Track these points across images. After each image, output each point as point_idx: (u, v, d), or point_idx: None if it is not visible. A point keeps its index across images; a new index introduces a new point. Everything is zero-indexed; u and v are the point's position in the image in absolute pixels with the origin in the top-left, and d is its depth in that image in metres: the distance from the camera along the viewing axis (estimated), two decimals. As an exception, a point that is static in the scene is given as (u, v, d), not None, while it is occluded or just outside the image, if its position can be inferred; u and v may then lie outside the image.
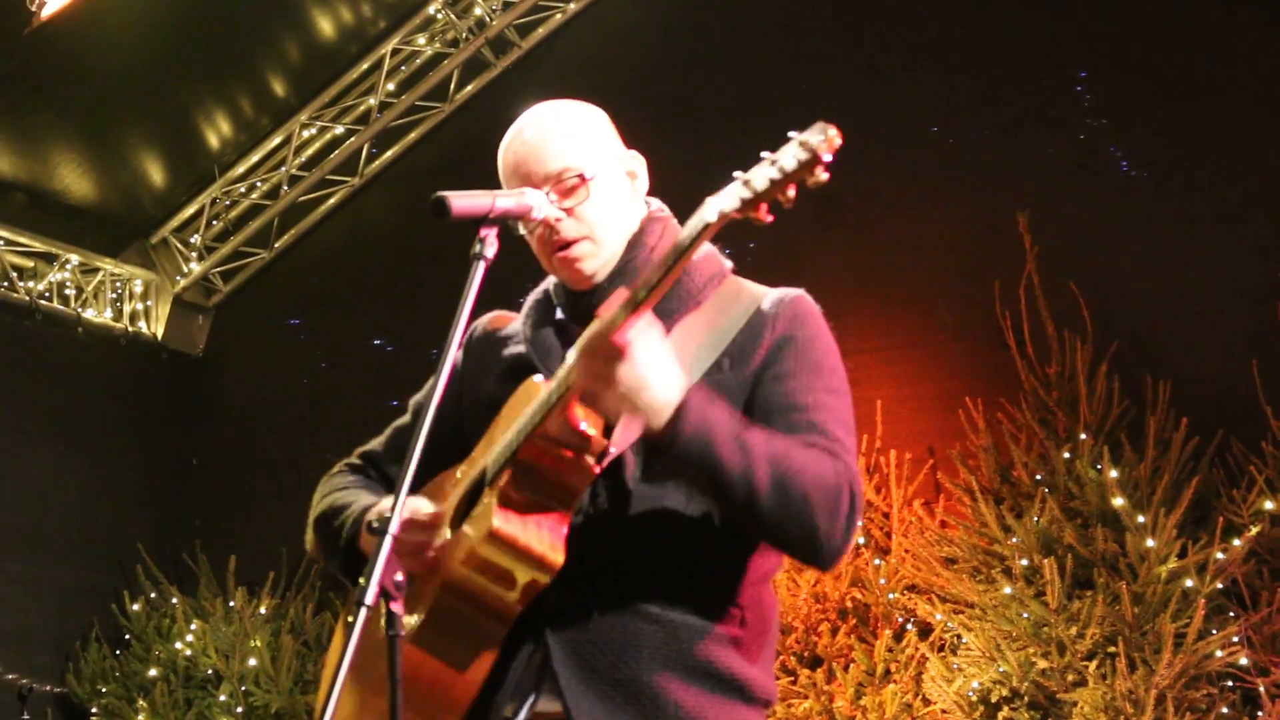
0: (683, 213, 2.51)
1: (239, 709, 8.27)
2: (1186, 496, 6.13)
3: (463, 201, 2.62)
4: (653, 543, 2.67)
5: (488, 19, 9.19)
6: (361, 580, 2.36)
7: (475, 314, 2.83)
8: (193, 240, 9.90)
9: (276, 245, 9.89)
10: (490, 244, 2.63)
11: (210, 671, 8.47)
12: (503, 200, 2.67)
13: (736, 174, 2.39)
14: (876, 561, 6.98)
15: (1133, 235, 7.17)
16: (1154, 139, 7.20)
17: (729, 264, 2.89)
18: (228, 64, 9.14)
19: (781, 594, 6.85)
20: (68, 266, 9.47)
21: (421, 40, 9.38)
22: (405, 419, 3.12)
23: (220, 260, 9.92)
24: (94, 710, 8.62)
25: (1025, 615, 6.21)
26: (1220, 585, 6.08)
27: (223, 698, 8.32)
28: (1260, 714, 5.92)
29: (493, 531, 2.56)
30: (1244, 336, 6.63)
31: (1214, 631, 5.97)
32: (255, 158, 9.68)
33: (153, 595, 8.90)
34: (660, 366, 2.51)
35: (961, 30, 7.77)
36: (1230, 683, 6.04)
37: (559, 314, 2.91)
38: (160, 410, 9.86)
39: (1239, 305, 6.79)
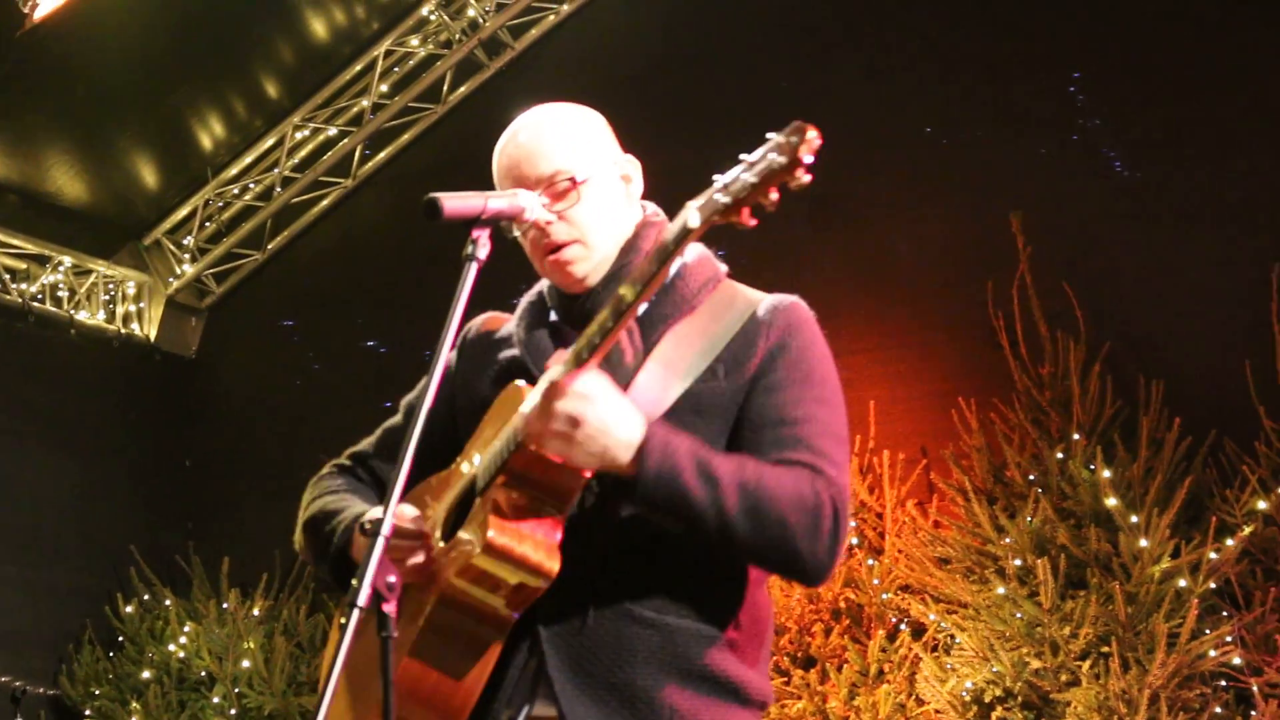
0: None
1: (232, 711, 8.26)
2: (1179, 496, 6.14)
3: (455, 203, 2.61)
4: (646, 546, 2.67)
5: (481, 20, 9.19)
6: (355, 582, 2.36)
7: (468, 315, 2.82)
8: (185, 242, 9.89)
9: (269, 247, 9.88)
10: (482, 245, 2.62)
11: (204, 673, 8.46)
12: (495, 201, 2.66)
13: (716, 178, 2.38)
14: (870, 562, 6.98)
15: (1126, 236, 7.18)
16: (1148, 139, 7.21)
17: (724, 268, 2.89)
18: (220, 65, 9.14)
19: (775, 594, 6.85)
20: (60, 268, 9.46)
21: (415, 41, 9.38)
22: (396, 419, 3.11)
23: (213, 262, 9.91)
24: (87, 712, 8.61)
25: (1019, 615, 6.21)
26: (1213, 585, 6.08)
27: (216, 700, 8.32)
28: (1253, 714, 5.93)
29: (488, 544, 2.55)
30: (1237, 337, 6.63)
31: (1207, 631, 5.97)
32: (248, 159, 9.67)
33: (146, 597, 8.89)
34: (617, 407, 2.53)
35: (956, 31, 7.77)
36: (1223, 682, 6.04)
37: (552, 316, 2.90)
38: (153, 412, 9.85)
39: (1232, 305, 6.79)
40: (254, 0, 8.76)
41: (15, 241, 9.20)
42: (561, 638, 2.66)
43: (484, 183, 2.81)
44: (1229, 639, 5.96)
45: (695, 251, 2.84)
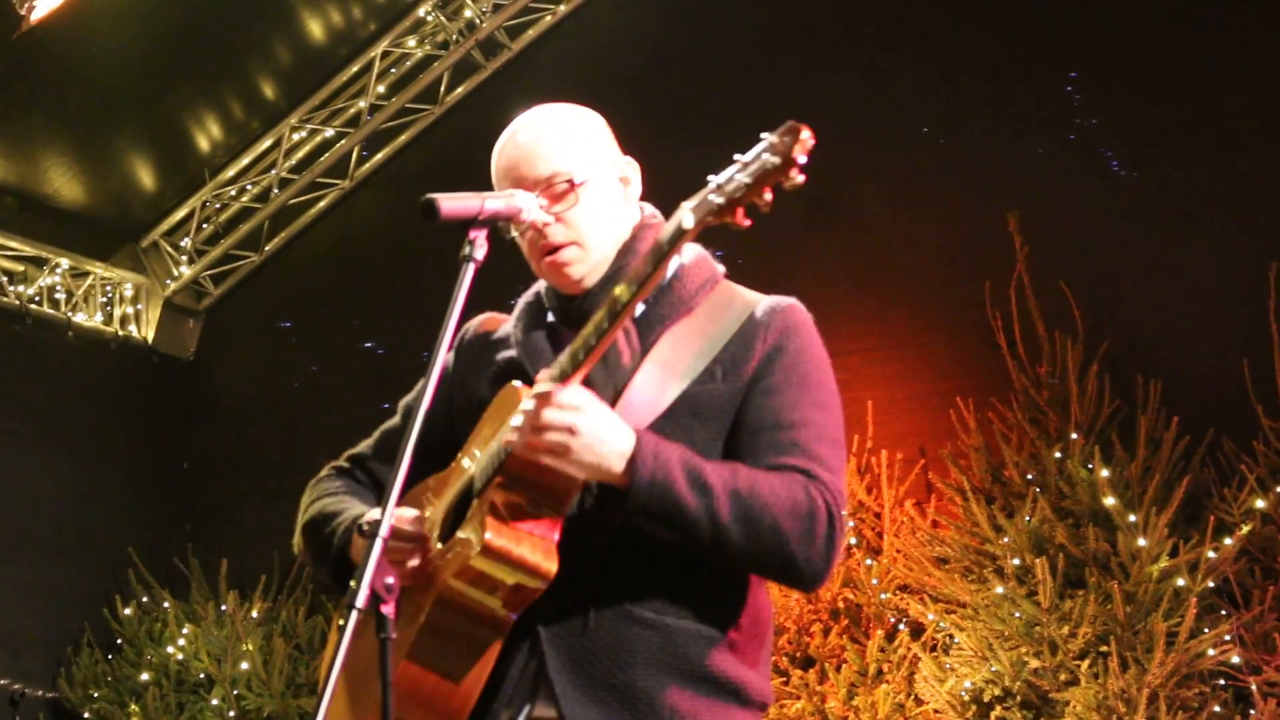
0: (674, 218, 2.50)
1: (231, 713, 8.25)
2: (1178, 496, 6.14)
3: (452, 203, 2.61)
4: (646, 547, 2.66)
5: (478, 21, 9.18)
6: (353, 583, 2.36)
7: (466, 316, 2.82)
8: (183, 244, 9.89)
9: (267, 248, 9.88)
10: (479, 246, 2.62)
11: (202, 675, 8.45)
12: (492, 202, 2.66)
13: (710, 178, 2.38)
14: (868, 562, 6.99)
15: (1123, 235, 7.18)
16: (1145, 139, 7.21)
17: (721, 269, 2.88)
18: (217, 67, 9.13)
19: (774, 594, 6.83)
20: (58, 270, 9.46)
21: (412, 42, 9.37)
22: (394, 421, 3.11)
23: (211, 263, 9.91)
24: (86, 715, 8.60)
25: (1017, 615, 6.21)
26: (1212, 584, 6.08)
27: (215, 701, 8.31)
28: (1252, 712, 5.93)
29: (486, 545, 2.55)
30: (1234, 336, 6.63)
31: (1206, 630, 5.98)
32: (245, 161, 9.67)
33: (144, 599, 8.88)
34: (608, 417, 2.54)
35: (953, 31, 7.77)
36: (1222, 681, 6.04)
37: (550, 317, 2.90)
38: (151, 414, 9.84)
39: (1230, 305, 6.80)
40: (251, 1, 8.75)
41: (13, 244, 9.20)
42: (562, 639, 2.66)
43: (481, 184, 2.81)
44: (1227, 638, 5.96)
45: (693, 252, 2.83)
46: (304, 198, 9.72)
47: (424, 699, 2.62)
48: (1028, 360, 6.76)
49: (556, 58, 9.08)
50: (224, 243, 9.85)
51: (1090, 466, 6.34)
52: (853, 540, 7.04)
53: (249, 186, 9.74)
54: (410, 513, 2.73)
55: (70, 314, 9.46)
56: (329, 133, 9.55)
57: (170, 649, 8.54)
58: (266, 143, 9.60)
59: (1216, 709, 5.96)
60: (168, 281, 9.92)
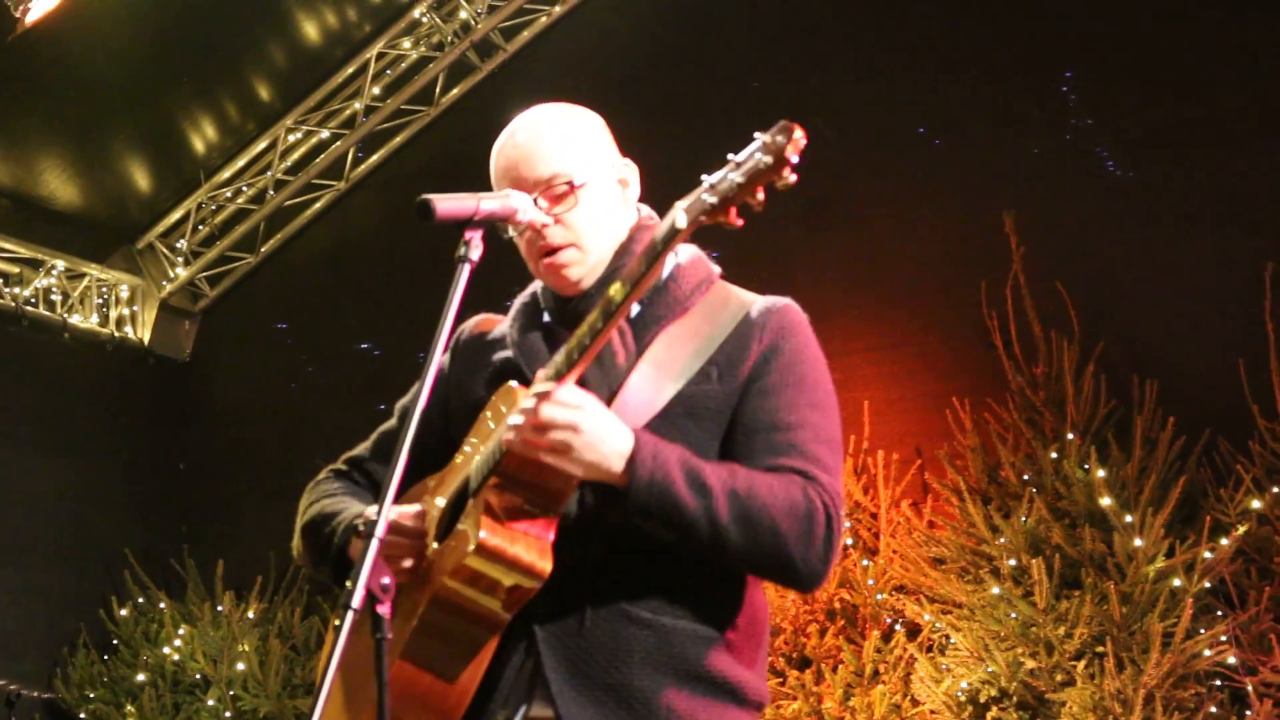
0: (670, 219, 2.50)
1: (227, 713, 8.25)
2: (1174, 496, 6.14)
3: (447, 204, 2.61)
4: (643, 547, 2.66)
5: (473, 22, 9.18)
6: (349, 584, 2.36)
7: (461, 317, 2.82)
8: (179, 245, 9.89)
9: (263, 250, 9.88)
10: (475, 246, 2.62)
11: (198, 676, 8.46)
12: (487, 203, 2.66)
13: (703, 178, 2.38)
14: (864, 562, 6.98)
15: (1119, 235, 7.18)
16: (1141, 139, 7.21)
17: (716, 269, 2.88)
18: (213, 69, 9.13)
19: (770, 595, 6.84)
20: (54, 272, 9.46)
21: (407, 44, 9.38)
22: (391, 423, 3.11)
23: (206, 265, 9.91)
24: (82, 716, 8.60)
25: (1013, 615, 6.21)
26: (1208, 584, 6.08)
27: (211, 702, 8.31)
28: (1248, 713, 5.93)
29: (480, 544, 2.55)
30: (1231, 336, 6.63)
31: (1202, 631, 5.97)
32: (241, 162, 9.67)
33: (140, 600, 8.89)
34: (607, 416, 2.55)
35: (948, 31, 7.77)
36: (1218, 682, 6.04)
37: (546, 317, 2.90)
38: (147, 415, 9.84)
39: (1226, 305, 6.80)
40: (246, 3, 8.75)
41: (8, 246, 9.20)
42: (558, 638, 2.66)
43: (478, 184, 2.81)
44: (1224, 638, 5.96)
45: (688, 253, 2.84)
46: (300, 199, 9.72)
47: (419, 698, 2.62)
48: (1024, 360, 6.76)
49: (551, 59, 9.09)
50: (220, 244, 9.86)
51: (1086, 467, 6.34)
52: (849, 541, 7.04)
53: (245, 188, 9.74)
54: (412, 508, 2.74)
55: (66, 316, 9.46)
56: (324, 134, 9.55)
57: (166, 650, 8.54)
58: (262, 144, 9.60)
59: (1212, 710, 5.96)
60: (164, 283, 9.92)
